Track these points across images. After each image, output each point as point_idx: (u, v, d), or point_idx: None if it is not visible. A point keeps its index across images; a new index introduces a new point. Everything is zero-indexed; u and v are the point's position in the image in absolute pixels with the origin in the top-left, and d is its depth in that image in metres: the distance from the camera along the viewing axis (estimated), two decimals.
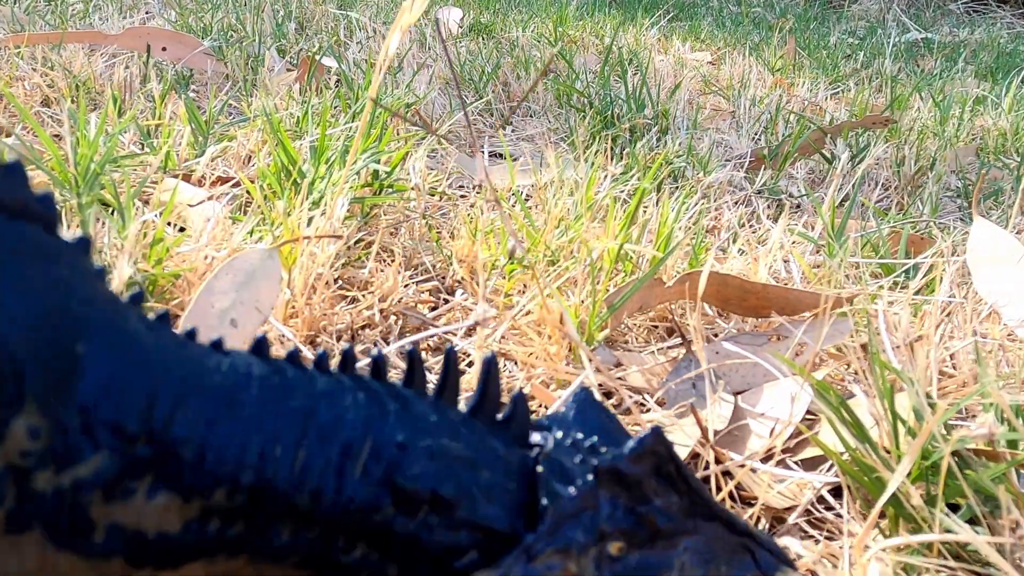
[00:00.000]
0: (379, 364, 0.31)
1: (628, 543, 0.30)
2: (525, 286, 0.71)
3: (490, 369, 0.32)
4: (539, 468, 0.30)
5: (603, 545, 0.29)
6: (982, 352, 0.50)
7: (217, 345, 0.30)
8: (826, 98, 1.90)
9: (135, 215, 0.70)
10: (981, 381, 0.41)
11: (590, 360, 0.55)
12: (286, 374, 0.29)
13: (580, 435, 0.31)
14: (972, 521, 0.43)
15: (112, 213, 0.73)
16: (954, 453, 0.45)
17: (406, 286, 0.76)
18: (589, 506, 0.29)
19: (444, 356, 0.32)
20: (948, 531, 0.44)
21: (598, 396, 0.58)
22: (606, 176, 1.00)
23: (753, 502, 0.52)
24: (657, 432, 0.30)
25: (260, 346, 0.30)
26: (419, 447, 0.29)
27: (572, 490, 0.30)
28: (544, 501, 0.30)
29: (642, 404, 0.62)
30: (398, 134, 1.08)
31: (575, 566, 0.29)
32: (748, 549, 0.33)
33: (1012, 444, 0.46)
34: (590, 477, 0.30)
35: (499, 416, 0.32)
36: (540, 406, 0.59)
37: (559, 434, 0.32)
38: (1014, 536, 0.38)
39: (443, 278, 0.77)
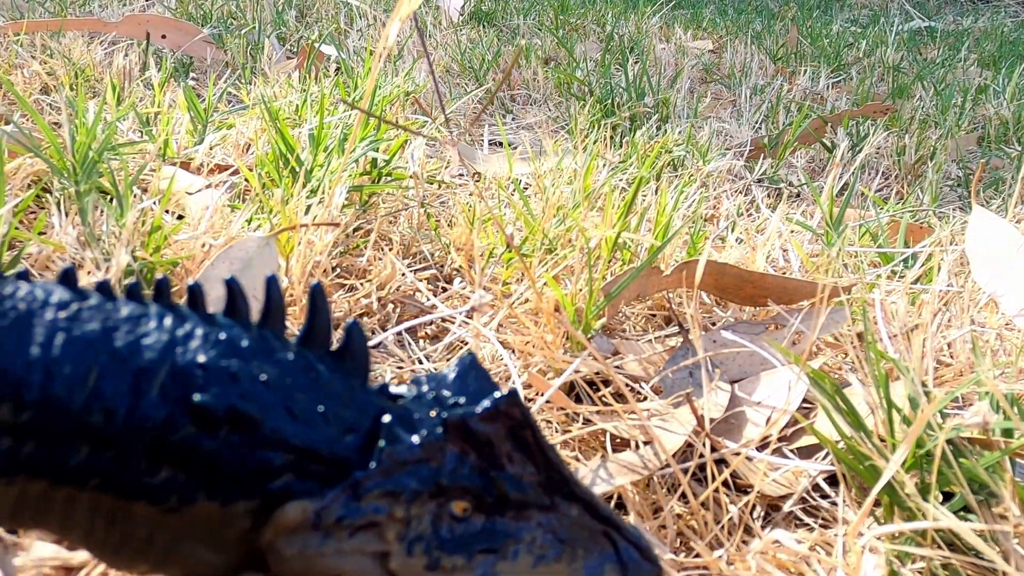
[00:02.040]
0: (194, 293, 0.30)
1: (475, 506, 0.29)
2: (523, 274, 0.71)
3: (316, 298, 0.31)
4: (386, 416, 0.29)
5: (444, 502, 0.28)
6: (979, 341, 0.50)
7: (23, 276, 0.30)
8: (828, 87, 1.89)
9: (133, 203, 0.70)
10: (976, 370, 0.41)
11: (586, 348, 0.55)
12: (88, 300, 0.29)
13: (447, 393, 0.30)
14: (967, 509, 0.43)
15: (110, 201, 0.73)
16: (949, 441, 0.45)
17: (404, 274, 0.76)
18: (431, 457, 0.28)
19: (265, 285, 0.31)
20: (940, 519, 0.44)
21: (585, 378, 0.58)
22: (605, 164, 1.00)
23: (748, 490, 0.52)
24: (513, 394, 0.29)
25: (67, 276, 0.30)
26: (221, 367, 0.28)
27: (415, 438, 0.28)
28: (382, 444, 0.28)
29: (639, 392, 0.62)
30: (398, 122, 1.08)
31: (402, 511, 0.28)
32: (610, 538, 0.31)
33: (1007, 433, 0.46)
34: (438, 429, 0.28)
35: (332, 348, 0.31)
36: (537, 394, 0.59)
37: (424, 389, 0.31)
38: (1007, 524, 0.38)
39: (441, 266, 0.77)
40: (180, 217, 0.80)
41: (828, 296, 0.68)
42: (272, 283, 0.31)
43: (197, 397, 0.27)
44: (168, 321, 0.29)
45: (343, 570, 0.28)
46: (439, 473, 0.28)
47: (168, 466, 0.27)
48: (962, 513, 0.43)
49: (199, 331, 0.29)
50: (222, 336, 0.29)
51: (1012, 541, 0.38)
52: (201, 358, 0.28)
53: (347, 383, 0.30)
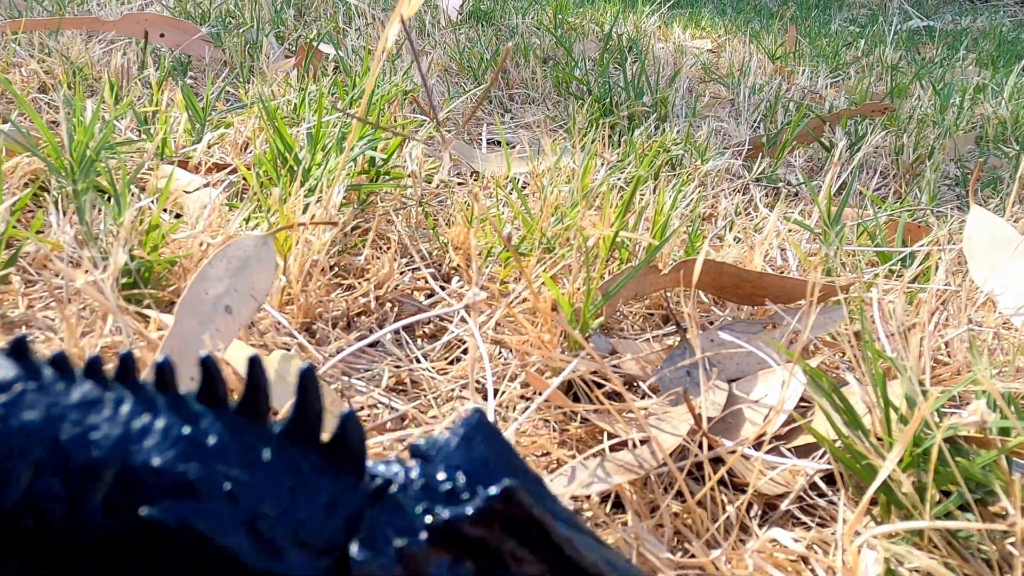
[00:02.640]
0: (163, 371, 0.27)
1: None
2: (521, 274, 0.71)
3: (307, 382, 0.27)
4: (367, 511, 0.26)
5: None
6: (976, 340, 0.50)
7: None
8: (826, 86, 1.89)
9: (131, 202, 0.70)
10: (973, 369, 0.41)
11: (583, 347, 0.55)
12: (35, 380, 0.26)
13: (443, 474, 0.26)
14: (964, 508, 0.44)
15: (108, 200, 0.73)
16: (947, 440, 0.45)
17: (402, 273, 0.76)
18: (414, 571, 0.24)
19: (248, 365, 0.27)
20: (938, 518, 0.44)
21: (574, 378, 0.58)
22: (603, 164, 1.00)
23: (746, 489, 0.52)
24: (509, 490, 0.24)
25: (17, 347, 0.26)
26: (178, 472, 0.24)
27: (398, 543, 0.25)
28: (356, 554, 0.25)
29: (637, 391, 0.62)
30: (395, 121, 1.08)
31: None
32: None
33: (1004, 432, 0.47)
34: (422, 535, 0.25)
35: (323, 437, 0.27)
36: (534, 392, 0.59)
37: (416, 470, 0.26)
38: (1004, 523, 0.38)
39: (439, 265, 0.77)
40: (178, 216, 0.80)
41: (825, 295, 0.69)
42: (255, 364, 0.27)
43: (144, 510, 0.24)
44: (125, 409, 0.26)
45: None
46: None
47: None
48: (959, 512, 0.43)
49: (159, 424, 0.25)
50: (185, 431, 0.26)
51: (1009, 539, 0.38)
52: (156, 460, 0.25)
53: (334, 483, 0.26)
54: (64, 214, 0.69)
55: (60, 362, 0.26)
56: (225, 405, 0.27)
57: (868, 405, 0.49)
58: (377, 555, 0.25)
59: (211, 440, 0.26)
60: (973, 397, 0.57)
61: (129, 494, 0.24)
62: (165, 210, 0.82)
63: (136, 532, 0.24)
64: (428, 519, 0.25)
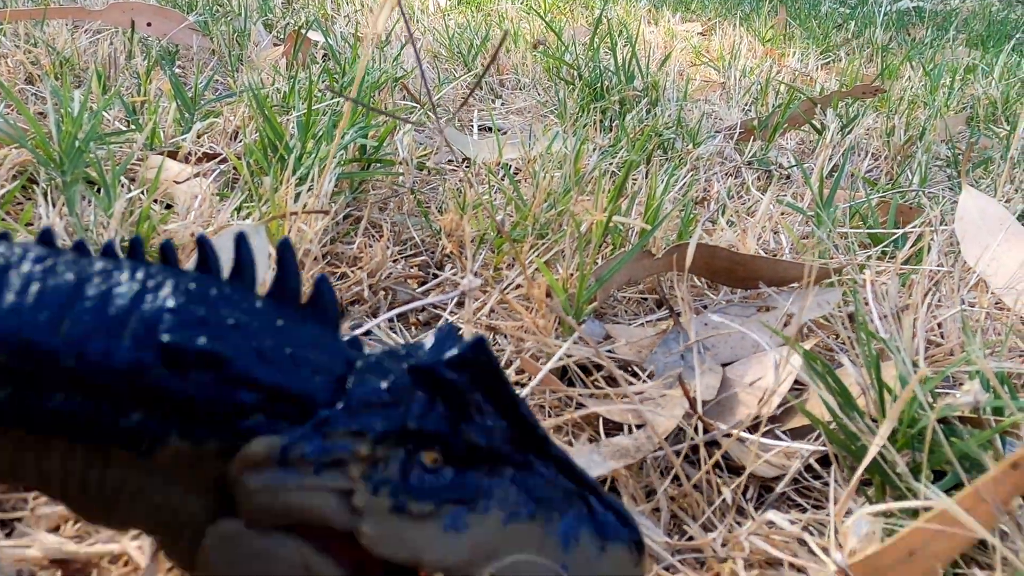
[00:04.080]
0: (166, 250, 0.31)
1: (445, 457, 0.29)
2: (514, 260, 0.70)
3: (284, 253, 0.31)
4: (357, 363, 0.29)
5: (413, 449, 0.28)
6: (968, 321, 0.50)
7: (3, 236, 0.31)
8: (817, 68, 1.89)
9: (120, 192, 0.69)
10: (967, 349, 0.42)
11: (577, 332, 0.55)
12: (63, 256, 0.30)
13: (420, 351, 0.30)
14: (958, 487, 0.44)
15: (97, 191, 0.73)
16: (942, 421, 0.46)
17: (395, 261, 0.75)
18: (397, 401, 0.28)
19: (235, 241, 0.31)
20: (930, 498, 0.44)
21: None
22: (595, 149, 0.99)
23: (741, 471, 0.52)
24: (480, 342, 0.28)
25: (45, 235, 0.31)
26: (191, 311, 0.28)
27: (383, 382, 0.29)
28: (351, 386, 0.29)
29: (632, 375, 0.62)
30: (386, 108, 1.08)
31: (367, 450, 0.28)
32: (587, 501, 0.30)
33: (998, 411, 0.47)
34: (406, 376, 0.29)
35: (302, 301, 0.31)
36: (530, 378, 0.59)
37: (397, 348, 0.31)
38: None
39: (432, 252, 0.77)
40: (168, 207, 0.79)
41: (818, 278, 0.69)
42: (241, 241, 0.31)
43: (166, 337, 0.28)
44: (139, 273, 0.29)
45: (307, 505, 0.27)
46: (406, 417, 0.28)
47: (140, 408, 0.28)
48: (953, 491, 0.44)
49: (169, 281, 0.29)
50: (191, 286, 0.29)
51: (1003, 518, 0.38)
52: (171, 303, 0.28)
53: (317, 332, 0.30)
54: (53, 206, 0.69)
55: (81, 246, 0.30)
56: (219, 274, 0.31)
57: (862, 386, 0.49)
58: (370, 385, 0.28)
59: (213, 292, 0.29)
60: (966, 378, 0.58)
61: (150, 331, 0.28)
62: (156, 201, 0.81)
63: (158, 360, 0.28)
64: (411, 362, 0.29)
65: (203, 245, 0.31)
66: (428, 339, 0.31)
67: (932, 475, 0.46)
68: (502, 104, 1.44)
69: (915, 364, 0.52)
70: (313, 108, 0.80)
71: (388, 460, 0.28)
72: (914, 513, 0.44)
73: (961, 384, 0.56)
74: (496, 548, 0.28)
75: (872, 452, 0.41)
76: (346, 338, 0.32)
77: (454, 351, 0.29)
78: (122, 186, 0.78)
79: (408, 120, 0.72)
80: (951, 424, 0.45)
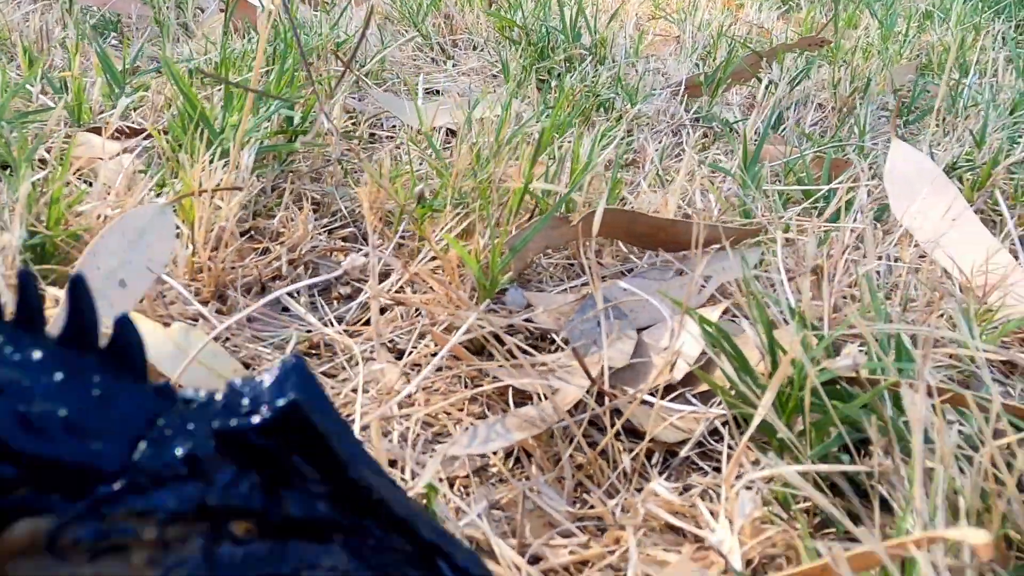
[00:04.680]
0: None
1: (260, 526, 0.25)
2: (436, 230, 0.70)
3: (75, 289, 0.27)
4: (159, 421, 0.26)
5: (219, 523, 0.25)
6: (872, 281, 0.51)
7: None
8: (775, 19, 1.87)
9: (35, 173, 0.68)
10: (849, 314, 0.42)
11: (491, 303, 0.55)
12: None
13: (245, 399, 0.26)
14: (845, 449, 0.44)
15: (9, 172, 0.71)
16: (831, 383, 0.46)
17: (322, 233, 0.75)
18: (197, 472, 0.25)
19: (18, 279, 0.28)
20: (824, 460, 0.45)
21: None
22: (538, 112, 0.98)
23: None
24: (295, 404, 0.25)
25: None
26: None
27: (179, 450, 0.25)
28: (142, 453, 0.25)
29: (552, 342, 0.62)
30: (324, 75, 1.06)
31: (154, 534, 0.24)
32: (435, 567, 0.27)
33: (902, 372, 0.47)
34: (210, 442, 0.25)
35: (102, 345, 0.28)
36: (438, 349, 0.59)
37: (219, 394, 0.27)
38: (870, 463, 0.39)
39: (359, 224, 0.77)
40: (92, 184, 0.78)
41: (740, 238, 0.69)
42: (26, 278, 0.28)
43: None
44: None
45: None
46: (206, 492, 0.25)
47: None
48: (841, 452, 0.44)
49: None
50: None
51: (879, 480, 0.39)
52: None
53: (112, 384, 0.27)
54: None
55: None
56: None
57: (761, 350, 0.49)
58: (162, 455, 0.25)
59: None
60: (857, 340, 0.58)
61: None
62: (85, 181, 0.80)
63: None
64: (216, 425, 0.26)
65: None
66: (270, 375, 0.27)
67: (828, 436, 0.47)
68: (453, 65, 1.42)
69: (816, 327, 0.52)
70: (244, 78, 0.79)
71: (185, 539, 0.25)
72: (804, 475, 0.45)
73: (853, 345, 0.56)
74: None
75: (758, 416, 0.41)
76: (157, 386, 0.28)
77: (267, 412, 0.25)
78: (47, 166, 0.77)
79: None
80: (841, 387, 0.45)
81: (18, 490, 0.24)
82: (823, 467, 0.37)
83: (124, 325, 0.28)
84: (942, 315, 0.58)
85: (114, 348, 0.27)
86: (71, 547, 0.24)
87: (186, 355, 0.54)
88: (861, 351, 0.41)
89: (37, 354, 0.26)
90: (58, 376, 0.26)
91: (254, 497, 0.25)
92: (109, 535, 0.24)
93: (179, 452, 0.25)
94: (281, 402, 0.25)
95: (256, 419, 0.25)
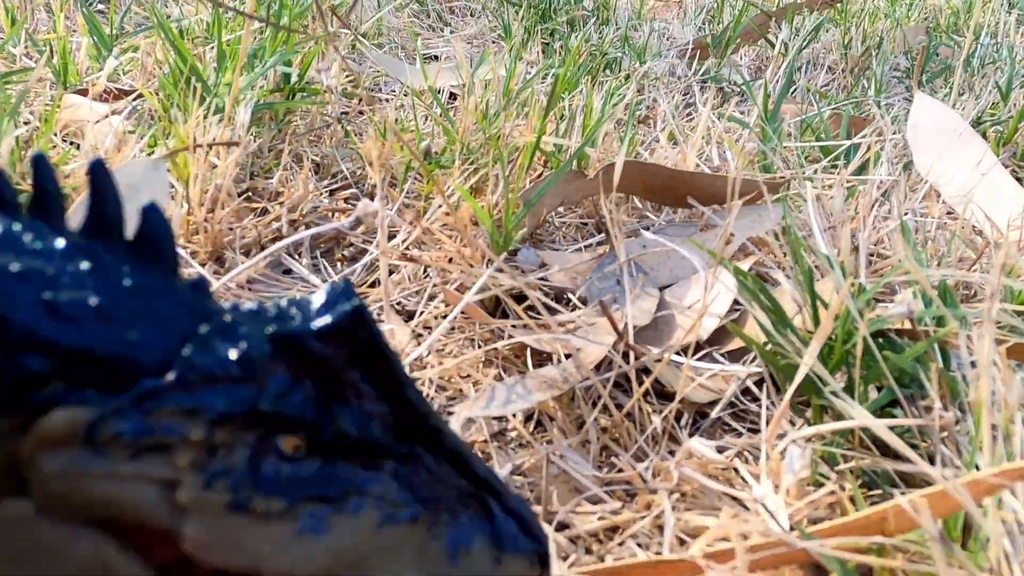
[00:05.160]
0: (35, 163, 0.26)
1: (309, 443, 0.23)
2: (445, 188, 0.67)
3: (97, 177, 0.24)
4: (203, 327, 0.23)
5: (268, 434, 0.23)
6: (910, 229, 0.48)
7: None
8: None
9: (19, 132, 0.65)
10: (902, 259, 0.39)
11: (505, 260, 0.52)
12: None
13: (296, 311, 0.24)
14: (895, 404, 0.41)
15: None
16: (880, 335, 0.43)
17: (323, 194, 0.71)
18: (250, 376, 0.23)
19: (33, 166, 0.25)
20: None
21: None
22: (537, 71, 0.95)
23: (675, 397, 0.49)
24: (359, 310, 0.23)
25: None
26: None
27: (233, 351, 0.23)
28: (187, 352, 0.23)
29: (568, 303, 0.59)
30: (316, 32, 1.02)
31: (201, 435, 0.22)
32: (485, 504, 0.25)
33: (941, 322, 0.44)
34: (265, 345, 0.23)
35: (127, 236, 0.25)
36: (450, 308, 0.56)
37: (269, 303, 0.25)
38: (928, 418, 0.36)
39: (361, 185, 0.73)
40: (80, 147, 0.74)
41: (766, 193, 0.65)
42: (41, 161, 0.25)
43: None
44: None
45: (117, 498, 0.22)
46: (259, 397, 0.23)
47: None
48: (890, 408, 0.41)
49: None
50: None
51: (936, 435, 0.36)
52: None
53: (144, 276, 0.24)
54: None
55: None
56: (14, 208, 0.25)
57: (798, 303, 0.46)
58: (215, 353, 0.23)
59: None
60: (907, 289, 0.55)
61: None
62: (71, 143, 0.77)
63: None
64: (272, 329, 0.23)
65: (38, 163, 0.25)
66: (318, 295, 0.25)
67: (874, 392, 0.44)
68: (451, 31, 1.39)
69: (855, 278, 0.49)
70: (236, 37, 0.75)
71: (232, 447, 0.23)
72: (849, 434, 0.42)
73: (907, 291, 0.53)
74: (364, 556, 0.24)
75: (802, 371, 0.38)
76: (192, 280, 0.25)
77: (327, 319, 0.23)
78: (36, 129, 0.73)
79: (331, 43, 0.67)
80: (890, 338, 0.42)
81: (50, 385, 0.22)
82: (882, 421, 0.34)
83: (152, 214, 0.25)
84: (983, 266, 0.55)
85: (142, 239, 0.25)
86: (111, 441, 0.22)
87: None
88: (915, 299, 0.38)
89: (60, 243, 0.24)
90: (85, 265, 0.23)
91: (307, 409, 0.23)
92: (154, 431, 0.22)
93: (233, 353, 0.23)
94: (346, 306, 0.23)
95: (318, 324, 0.23)
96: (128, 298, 0.23)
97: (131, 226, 0.25)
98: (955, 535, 0.34)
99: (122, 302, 0.23)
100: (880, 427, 0.31)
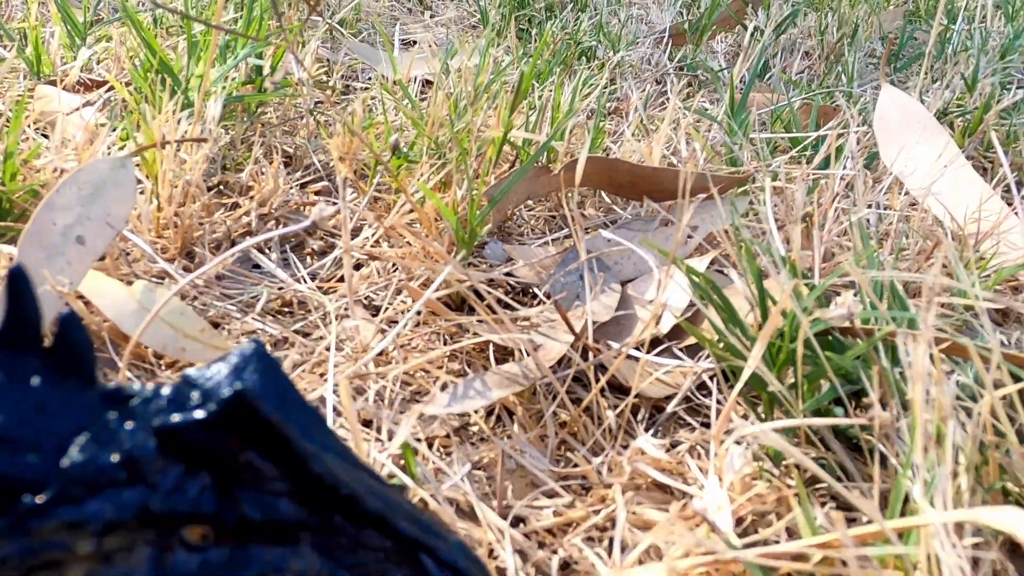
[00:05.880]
0: None
1: (216, 531, 0.23)
2: (412, 181, 0.67)
3: (16, 282, 0.24)
4: (97, 424, 0.23)
5: (167, 530, 0.23)
6: (864, 228, 0.49)
7: None
8: None
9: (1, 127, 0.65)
10: (844, 262, 0.40)
11: (469, 256, 0.53)
12: None
13: (195, 392, 0.23)
14: (838, 402, 0.43)
15: None
16: (827, 334, 0.44)
17: (294, 188, 0.72)
18: (137, 475, 0.22)
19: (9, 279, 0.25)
20: (819, 414, 0.43)
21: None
22: (516, 60, 0.95)
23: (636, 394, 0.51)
24: (241, 393, 0.22)
25: None
26: None
27: (115, 454, 0.22)
28: (74, 457, 0.22)
29: (534, 297, 0.60)
30: (292, 23, 1.02)
31: (90, 547, 0.22)
32: (419, 563, 0.25)
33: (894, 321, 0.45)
34: (149, 442, 0.23)
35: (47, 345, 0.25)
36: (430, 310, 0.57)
37: (168, 387, 0.24)
38: (865, 417, 0.37)
39: (332, 177, 0.74)
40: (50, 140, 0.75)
41: (728, 186, 0.66)
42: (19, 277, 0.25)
43: None
44: None
45: None
46: (148, 497, 0.22)
47: None
48: (833, 406, 0.42)
49: None
50: None
51: (876, 434, 0.37)
52: None
53: (56, 390, 0.24)
54: None
55: None
56: None
57: (751, 301, 0.47)
58: (96, 460, 0.22)
59: None
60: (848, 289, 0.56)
61: None
62: (43, 135, 0.77)
63: None
64: (156, 423, 0.23)
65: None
66: (227, 363, 0.24)
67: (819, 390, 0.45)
68: (432, 16, 1.38)
69: (807, 275, 0.50)
70: (209, 27, 0.75)
71: (130, 550, 0.22)
72: (795, 430, 0.43)
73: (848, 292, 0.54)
74: None
75: (748, 370, 0.39)
76: (106, 390, 0.25)
77: (212, 406, 0.23)
78: (6, 123, 0.73)
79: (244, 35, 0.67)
80: (836, 338, 0.43)
81: None
82: (817, 420, 0.36)
83: (70, 323, 0.25)
84: (933, 263, 0.56)
85: (59, 348, 0.25)
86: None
87: (149, 314, 0.51)
88: (855, 300, 0.39)
89: None
90: None
91: (205, 500, 0.23)
92: (39, 551, 0.22)
93: (115, 455, 0.22)
94: (226, 392, 0.22)
95: (199, 414, 0.23)
96: (30, 415, 0.23)
97: (48, 333, 0.25)
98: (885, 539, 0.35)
99: (23, 420, 0.23)
100: (778, 441, 0.32)
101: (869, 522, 0.35)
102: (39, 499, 0.22)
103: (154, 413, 0.23)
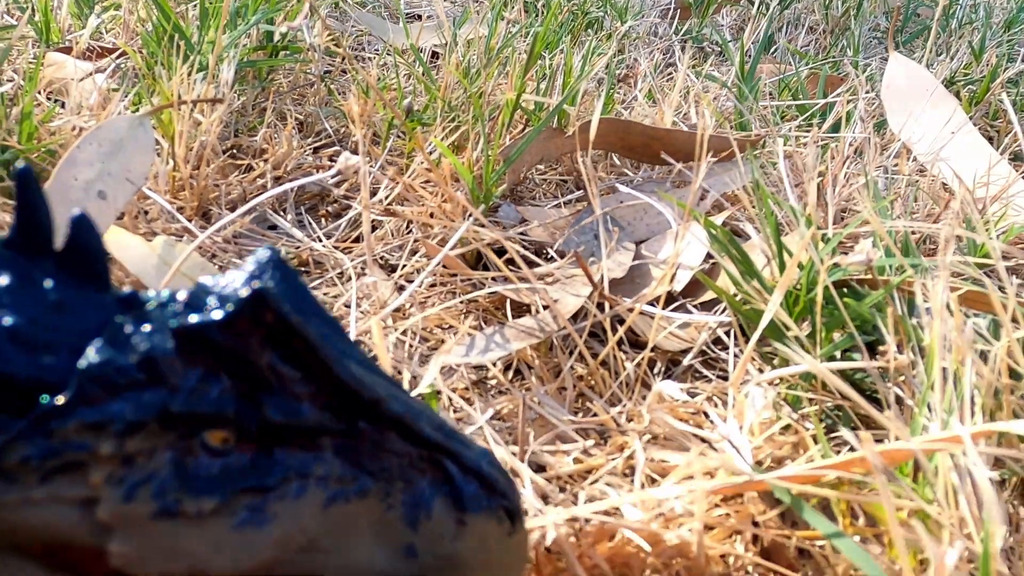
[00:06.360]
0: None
1: (238, 434, 0.22)
2: (426, 144, 0.68)
3: (25, 185, 0.24)
4: (112, 326, 0.22)
5: (188, 433, 0.22)
6: (874, 183, 0.49)
7: None
8: None
9: (15, 89, 0.65)
10: (862, 209, 0.40)
11: (486, 213, 0.53)
12: None
13: (211, 295, 0.23)
14: (855, 349, 0.43)
15: None
16: (843, 284, 0.45)
17: (307, 151, 0.72)
18: (155, 378, 0.22)
19: (16, 179, 0.24)
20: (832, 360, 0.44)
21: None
22: (518, 30, 0.95)
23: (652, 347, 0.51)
24: (260, 294, 0.22)
25: None
26: None
27: (133, 354, 0.22)
28: (91, 357, 0.22)
29: (548, 257, 0.61)
30: None
31: (111, 448, 0.22)
32: (443, 470, 0.25)
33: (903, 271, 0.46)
34: (168, 343, 0.22)
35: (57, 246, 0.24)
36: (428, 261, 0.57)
37: (183, 292, 0.23)
38: (883, 361, 0.38)
39: (345, 143, 0.74)
40: (64, 105, 0.75)
41: (741, 149, 0.67)
42: (27, 177, 0.24)
43: None
44: None
45: (36, 523, 0.21)
46: (169, 399, 0.22)
47: None
48: (850, 353, 0.43)
49: None
50: None
51: (901, 377, 0.38)
52: None
53: (71, 292, 0.23)
54: None
55: None
56: None
57: (767, 255, 0.48)
58: (115, 361, 0.22)
59: None
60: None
61: None
62: (55, 100, 0.77)
63: None
64: (174, 324, 0.22)
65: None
66: (238, 271, 0.24)
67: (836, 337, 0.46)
68: None
69: (822, 230, 0.51)
70: None
71: (151, 452, 0.22)
72: (812, 378, 0.44)
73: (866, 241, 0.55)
74: (315, 539, 0.23)
75: (766, 317, 0.40)
76: (120, 294, 0.24)
77: (231, 307, 0.22)
78: (18, 88, 0.73)
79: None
80: (853, 288, 0.44)
81: None
82: (837, 364, 0.36)
83: (81, 225, 0.24)
84: (947, 218, 0.57)
85: (71, 251, 0.24)
86: (19, 467, 0.21)
87: (170, 268, 0.52)
88: (873, 248, 0.40)
89: None
90: (4, 282, 0.23)
91: (225, 402, 0.22)
92: (60, 452, 0.22)
93: (133, 356, 0.22)
94: (244, 292, 0.22)
95: (218, 314, 0.22)
96: (46, 317, 0.23)
97: (61, 236, 0.24)
98: (905, 471, 0.36)
99: (39, 321, 0.23)
100: (824, 371, 0.32)
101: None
102: (59, 400, 0.22)
103: (171, 316, 0.23)
